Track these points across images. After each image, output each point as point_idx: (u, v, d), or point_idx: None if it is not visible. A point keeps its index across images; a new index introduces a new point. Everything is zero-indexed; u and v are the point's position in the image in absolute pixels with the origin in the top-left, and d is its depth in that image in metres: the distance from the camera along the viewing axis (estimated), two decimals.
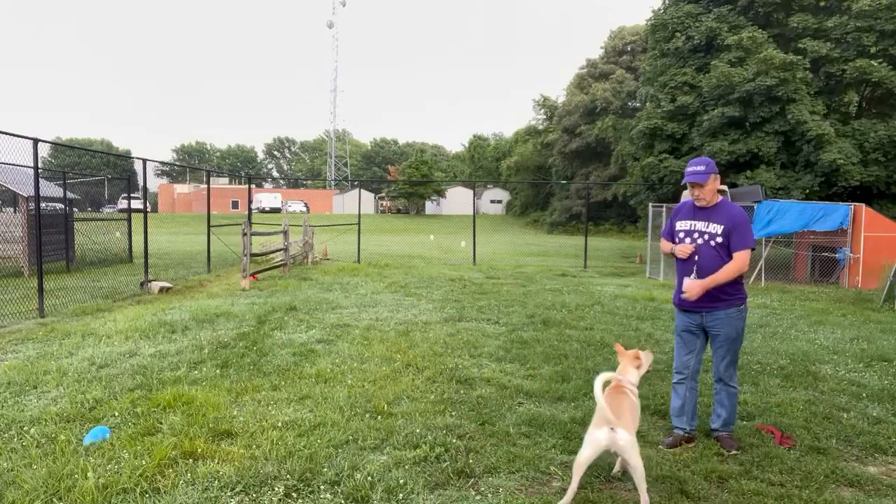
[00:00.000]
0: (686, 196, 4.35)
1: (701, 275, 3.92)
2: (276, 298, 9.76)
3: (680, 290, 4.04)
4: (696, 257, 3.97)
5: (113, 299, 9.76)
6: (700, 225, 4.03)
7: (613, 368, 5.91)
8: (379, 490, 3.29)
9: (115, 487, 3.22)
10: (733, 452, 3.91)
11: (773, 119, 17.38)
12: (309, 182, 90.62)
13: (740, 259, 3.91)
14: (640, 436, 4.20)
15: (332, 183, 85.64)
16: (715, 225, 3.97)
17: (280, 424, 4.20)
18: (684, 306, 4.09)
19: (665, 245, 4.28)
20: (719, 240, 3.94)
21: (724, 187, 15.70)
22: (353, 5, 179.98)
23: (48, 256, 12.18)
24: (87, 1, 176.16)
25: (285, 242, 14.10)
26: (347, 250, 20.23)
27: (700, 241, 3.99)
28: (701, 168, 3.98)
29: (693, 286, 3.90)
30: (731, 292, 3.97)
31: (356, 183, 75.21)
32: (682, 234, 4.10)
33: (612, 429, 3.13)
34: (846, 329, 8.23)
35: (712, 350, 4.13)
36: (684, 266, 4.04)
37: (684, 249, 4.01)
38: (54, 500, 3.13)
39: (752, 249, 3.98)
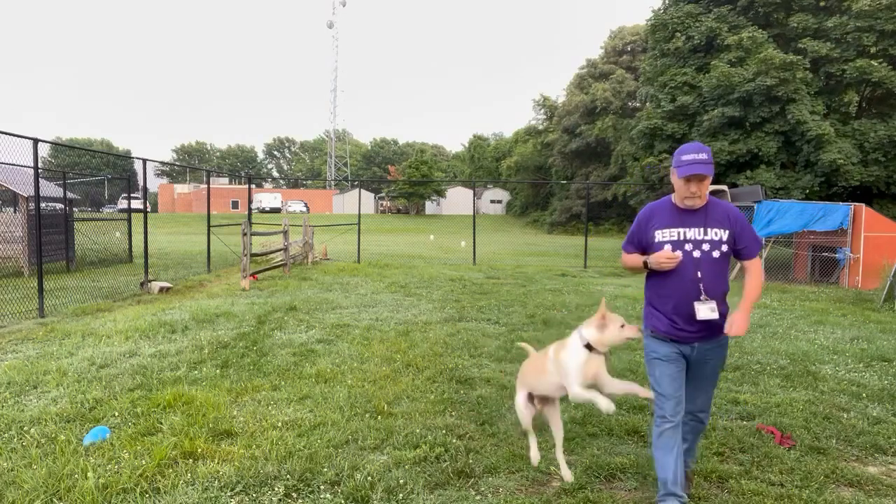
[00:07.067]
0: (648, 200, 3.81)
1: (710, 295, 3.09)
2: (276, 298, 9.76)
3: (671, 316, 3.16)
4: (700, 274, 3.09)
5: (113, 299, 9.76)
6: (693, 232, 3.15)
7: (612, 369, 5.94)
8: (379, 490, 3.29)
9: (115, 487, 3.22)
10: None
11: (773, 119, 17.39)
12: (309, 182, 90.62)
13: (760, 269, 3.23)
14: (640, 436, 4.21)
15: (332, 183, 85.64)
16: (717, 230, 3.14)
17: (280, 424, 4.20)
18: (680, 336, 3.16)
19: (634, 257, 3.31)
20: (724, 248, 3.14)
21: (724, 187, 15.71)
22: (353, 5, 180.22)
23: (48, 256, 12.18)
24: (87, 1, 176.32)
25: (285, 242, 14.09)
26: (347, 250, 20.22)
27: (697, 252, 3.12)
28: (704, 156, 3.07)
29: (741, 320, 3.06)
30: (724, 313, 3.18)
31: (356, 183, 75.23)
32: (668, 248, 3.17)
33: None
34: (846, 329, 8.22)
35: (693, 384, 3.26)
36: (681, 285, 3.11)
37: (671, 258, 3.09)
38: (54, 500, 3.14)
39: None
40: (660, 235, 3.19)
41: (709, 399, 3.39)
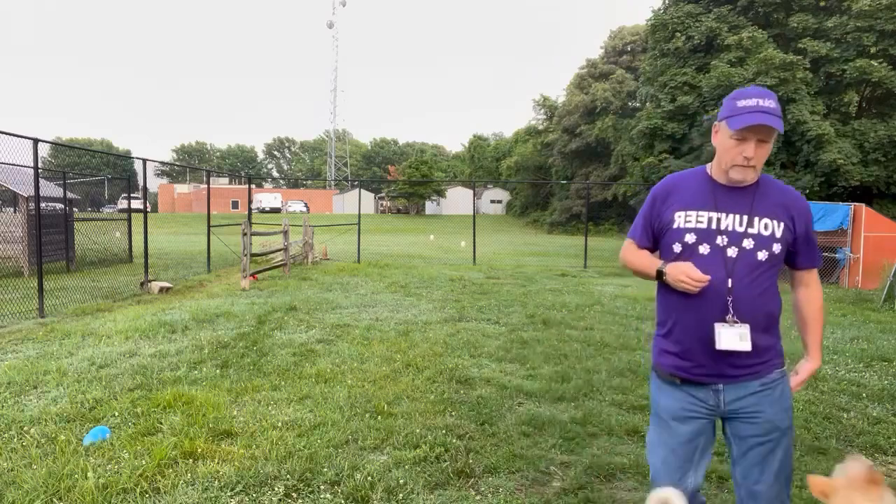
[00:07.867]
0: (676, 171, 2.69)
1: (744, 315, 2.04)
2: (276, 298, 9.76)
3: (681, 344, 2.15)
4: (731, 283, 2.04)
5: (113, 299, 9.76)
6: (732, 220, 2.07)
7: (612, 369, 5.93)
8: (379, 490, 3.29)
9: (115, 487, 3.22)
10: None
11: None
12: (309, 182, 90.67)
13: (820, 284, 2.27)
14: (640, 436, 4.20)
15: (332, 183, 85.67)
16: (768, 221, 2.07)
17: (280, 424, 4.20)
18: (691, 376, 2.13)
19: (642, 257, 2.24)
20: (776, 249, 2.07)
21: None
22: (353, 5, 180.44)
23: (48, 256, 12.17)
24: (88, 2, 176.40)
25: (285, 242, 14.09)
26: (347, 250, 20.22)
27: (733, 250, 2.05)
28: (772, 104, 1.98)
29: (807, 374, 2.27)
30: (771, 341, 2.16)
31: (356, 183, 75.22)
32: (691, 238, 2.09)
33: None
34: (846, 329, 8.23)
35: (742, 459, 2.14)
36: (699, 297, 2.05)
37: (698, 280, 2.01)
38: (54, 500, 3.13)
39: None
40: (681, 219, 2.11)
41: (779, 495, 2.10)
